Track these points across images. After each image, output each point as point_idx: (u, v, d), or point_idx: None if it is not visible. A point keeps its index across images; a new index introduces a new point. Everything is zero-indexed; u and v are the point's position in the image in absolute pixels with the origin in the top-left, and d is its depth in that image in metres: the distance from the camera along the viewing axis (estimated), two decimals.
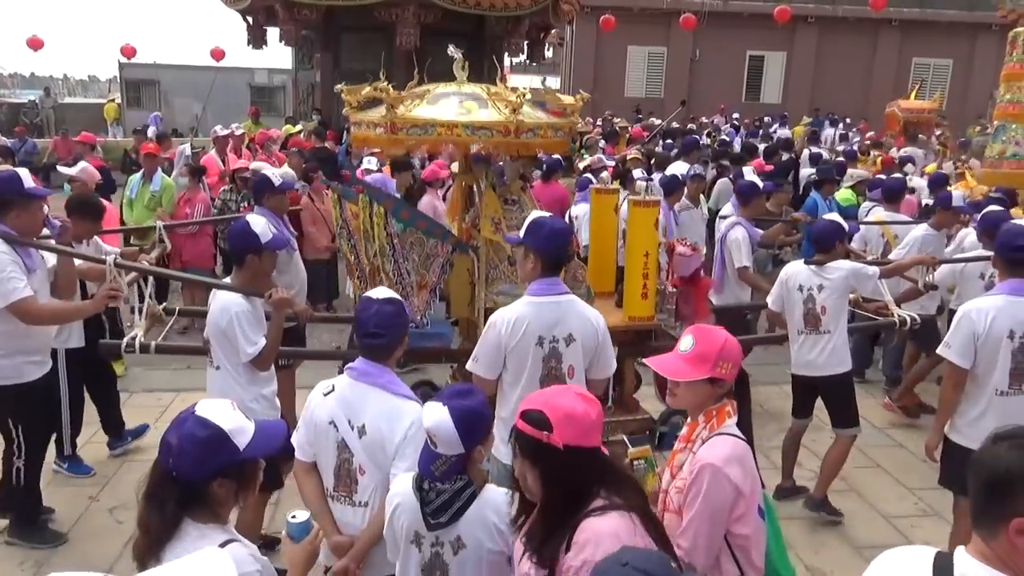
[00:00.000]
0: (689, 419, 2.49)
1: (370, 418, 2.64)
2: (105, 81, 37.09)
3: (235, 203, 7.29)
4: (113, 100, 23.32)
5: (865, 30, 25.17)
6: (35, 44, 19.99)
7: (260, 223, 3.82)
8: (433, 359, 5.04)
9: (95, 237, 5.12)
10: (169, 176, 8.47)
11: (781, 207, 7.89)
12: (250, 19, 15.49)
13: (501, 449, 3.31)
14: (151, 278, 4.57)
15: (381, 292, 2.81)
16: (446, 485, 2.25)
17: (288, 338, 5.25)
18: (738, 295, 6.24)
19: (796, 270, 4.75)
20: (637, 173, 8.33)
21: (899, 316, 4.92)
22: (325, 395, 2.74)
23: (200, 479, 1.89)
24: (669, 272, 5.04)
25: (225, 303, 3.69)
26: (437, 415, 2.18)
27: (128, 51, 21.83)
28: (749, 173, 7.69)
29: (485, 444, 2.33)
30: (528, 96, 4.12)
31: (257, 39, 15.71)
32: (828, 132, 18.21)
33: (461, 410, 2.19)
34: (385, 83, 3.92)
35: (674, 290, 4.91)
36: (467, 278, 4.60)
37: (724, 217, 6.65)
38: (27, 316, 3.93)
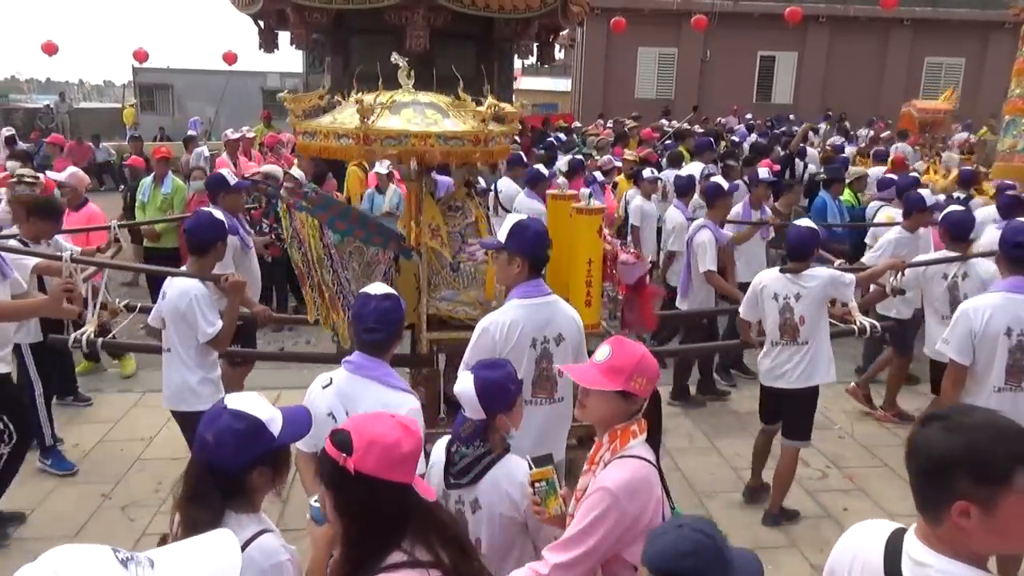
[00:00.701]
0: (596, 437, 2.41)
1: (366, 409, 2.66)
2: (120, 86, 37.44)
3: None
4: (132, 105, 23.54)
5: (877, 29, 25.03)
6: (49, 49, 20.18)
7: (221, 213, 4.23)
8: None
9: (56, 236, 5.30)
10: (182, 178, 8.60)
11: (791, 207, 7.89)
12: (261, 23, 15.56)
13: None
14: (105, 275, 4.73)
15: (378, 288, 2.88)
16: (468, 450, 2.51)
17: (238, 338, 5.46)
18: (704, 300, 6.19)
19: (771, 278, 4.62)
20: (647, 172, 8.36)
21: (860, 323, 4.74)
22: (324, 388, 2.82)
23: (241, 469, 1.94)
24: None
25: (184, 287, 3.94)
26: (464, 382, 2.51)
27: (141, 55, 21.98)
28: (764, 173, 7.68)
29: (511, 416, 2.57)
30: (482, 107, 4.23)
31: (268, 43, 15.78)
32: (821, 126, 18.17)
33: (485, 380, 2.49)
34: (358, 94, 4.05)
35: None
36: (414, 283, 4.64)
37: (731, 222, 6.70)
38: None
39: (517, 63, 19.39)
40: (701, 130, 16.82)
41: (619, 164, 9.78)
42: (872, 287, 5.47)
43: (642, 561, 1.59)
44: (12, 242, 4.90)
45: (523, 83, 28.99)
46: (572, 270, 4.69)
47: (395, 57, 4.38)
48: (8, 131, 12.03)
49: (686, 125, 15.99)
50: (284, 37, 15.57)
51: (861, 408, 6.52)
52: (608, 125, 17.63)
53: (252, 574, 1.83)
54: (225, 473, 1.93)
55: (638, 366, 2.30)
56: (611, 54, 25.57)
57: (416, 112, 4.20)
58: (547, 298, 3.38)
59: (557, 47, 18.64)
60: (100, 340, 4.46)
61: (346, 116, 4.19)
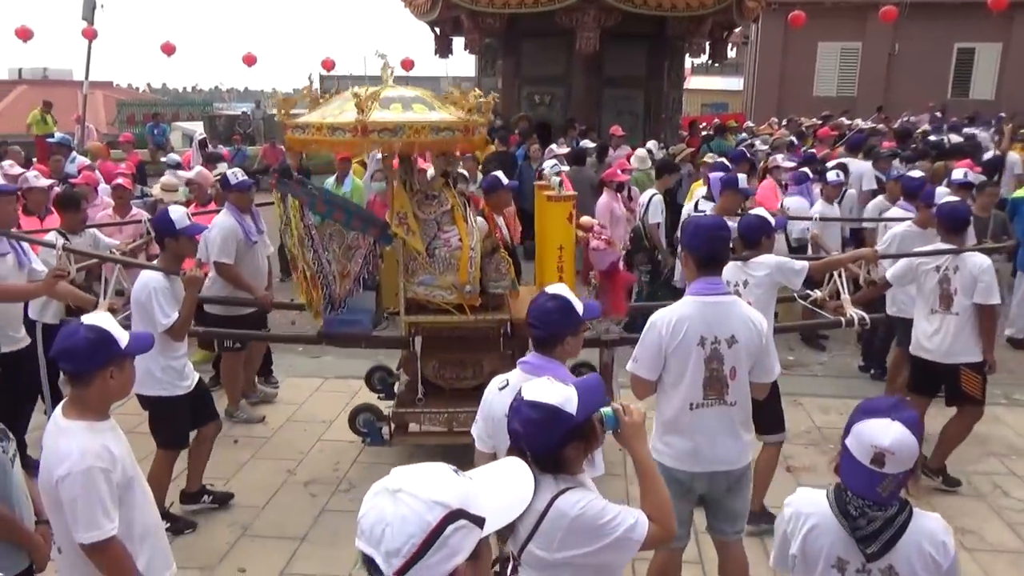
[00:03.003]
0: None
1: None
2: None
3: None
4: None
5: None
6: (250, 60, 22.03)
7: (179, 212, 4.36)
8: (352, 343, 5.24)
9: (92, 230, 5.87)
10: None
11: (988, 209, 7.21)
12: (437, 30, 16.21)
13: (660, 449, 3.32)
14: (116, 267, 5.05)
15: (553, 288, 2.89)
16: (878, 512, 2.14)
17: (248, 323, 5.88)
18: None
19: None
20: (831, 176, 7.90)
21: (849, 315, 4.78)
22: (500, 389, 2.84)
23: (553, 451, 2.10)
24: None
25: (145, 280, 4.20)
26: (895, 431, 2.09)
27: (328, 64, 23.48)
28: (960, 175, 7.08)
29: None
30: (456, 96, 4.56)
31: (443, 48, 16.42)
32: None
33: (909, 422, 2.12)
34: (359, 90, 4.33)
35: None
36: (397, 269, 4.80)
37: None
38: None
39: (687, 63, 18.98)
40: (885, 129, 15.74)
41: (790, 165, 9.32)
42: (866, 287, 5.35)
43: None
44: (52, 233, 5.49)
45: (692, 83, 28.36)
46: (543, 256, 4.72)
47: (377, 52, 4.77)
48: (200, 135, 13.15)
49: (871, 124, 15.01)
50: (458, 43, 16.15)
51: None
52: (783, 125, 16.86)
53: (564, 521, 2.06)
54: (541, 457, 2.09)
55: None
56: (788, 50, 24.46)
57: (404, 106, 4.42)
58: (721, 297, 3.26)
59: (730, 45, 18.05)
60: None
61: (333, 110, 4.45)
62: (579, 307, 2.81)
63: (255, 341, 6.14)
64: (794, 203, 7.80)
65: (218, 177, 7.61)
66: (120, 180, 7.26)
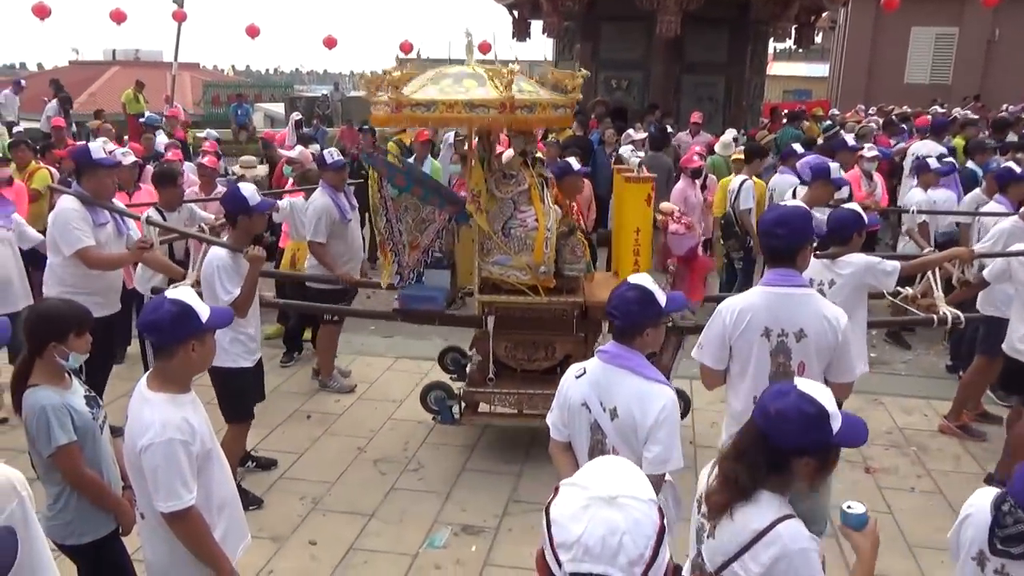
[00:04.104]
0: None
1: (622, 401, 2.67)
2: None
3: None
4: None
5: None
6: (330, 43, 22.41)
7: (250, 189, 4.36)
8: (426, 320, 5.20)
9: (190, 205, 6.04)
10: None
11: None
12: (516, 13, 16.15)
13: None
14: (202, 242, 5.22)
15: (635, 278, 2.82)
16: None
17: (334, 298, 5.97)
18: None
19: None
20: (933, 162, 7.53)
21: (942, 313, 4.63)
22: (577, 377, 2.80)
23: (790, 451, 1.96)
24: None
25: (210, 257, 4.30)
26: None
27: (406, 47, 23.70)
28: None
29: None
30: (524, 74, 4.49)
31: (521, 32, 16.36)
32: None
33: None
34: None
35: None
36: (472, 249, 4.80)
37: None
38: (88, 261, 4.72)
39: (770, 48, 18.43)
40: (976, 118, 14.97)
41: (873, 154, 8.91)
42: (960, 287, 5.10)
43: None
44: (151, 210, 5.61)
45: (773, 68, 27.51)
46: (620, 239, 4.58)
47: (466, 31, 4.74)
48: (296, 116, 13.47)
49: (968, 113, 14.29)
50: (536, 26, 16.05)
51: None
52: (871, 112, 16.21)
53: (775, 549, 1.92)
54: (777, 450, 1.97)
55: None
56: (879, 35, 23.50)
57: (454, 82, 4.41)
58: (794, 290, 3.13)
59: (817, 29, 17.44)
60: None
61: (450, 88, 4.44)
62: (661, 298, 2.73)
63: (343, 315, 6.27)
64: (940, 196, 7.23)
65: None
66: (205, 159, 7.48)
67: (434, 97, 4.37)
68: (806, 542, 1.95)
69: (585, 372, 2.78)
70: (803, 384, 2.02)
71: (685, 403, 5.13)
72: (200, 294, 2.97)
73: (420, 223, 4.86)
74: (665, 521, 1.26)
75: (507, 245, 4.65)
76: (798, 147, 8.55)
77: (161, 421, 2.48)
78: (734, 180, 7.72)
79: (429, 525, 4.43)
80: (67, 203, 4.80)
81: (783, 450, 1.96)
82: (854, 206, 4.45)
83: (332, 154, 6.13)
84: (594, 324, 4.86)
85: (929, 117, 13.79)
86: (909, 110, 15.49)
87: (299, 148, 8.52)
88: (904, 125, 13.17)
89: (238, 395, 4.47)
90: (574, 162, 5.73)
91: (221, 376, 4.39)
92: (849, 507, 2.17)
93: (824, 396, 1.99)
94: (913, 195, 7.32)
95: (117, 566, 3.01)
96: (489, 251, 4.71)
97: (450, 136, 10.91)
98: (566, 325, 4.91)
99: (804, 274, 4.11)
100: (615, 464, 1.33)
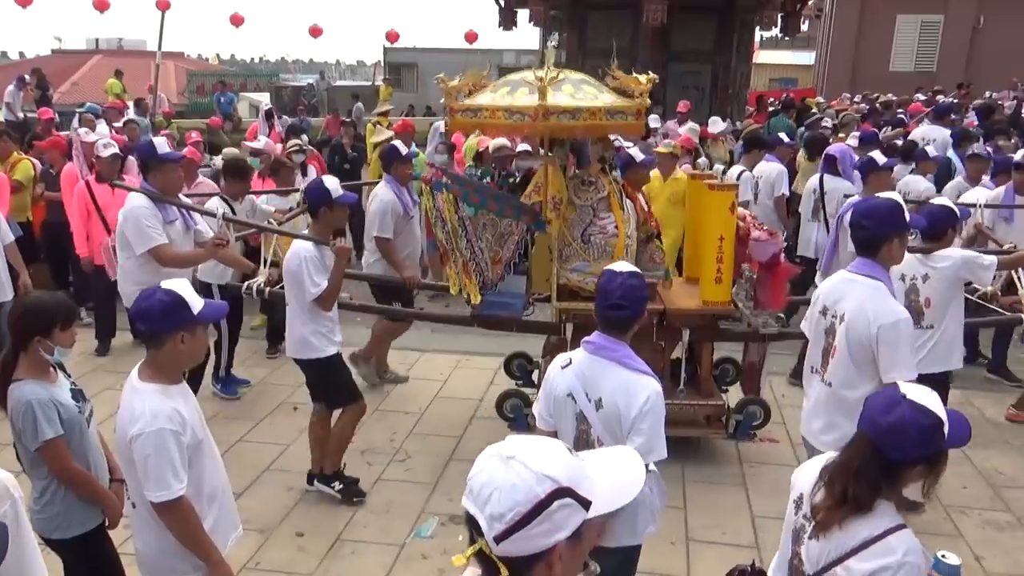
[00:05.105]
0: None
1: (607, 392, 2.69)
2: (370, 65, 40.47)
3: (477, 178, 7.66)
4: (389, 84, 25.29)
5: None
6: (316, 32, 22.26)
7: (333, 182, 4.37)
8: (504, 327, 5.19)
9: (251, 197, 5.95)
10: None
11: None
12: (502, 2, 16.07)
13: (816, 432, 3.33)
14: (274, 236, 5.32)
15: (624, 266, 2.83)
16: None
17: (399, 298, 5.89)
18: None
19: None
20: (931, 150, 7.55)
21: None
22: (563, 368, 2.81)
23: (907, 464, 1.95)
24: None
25: (296, 249, 4.26)
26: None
27: (392, 36, 23.56)
28: None
29: None
30: (578, 80, 4.42)
31: (507, 21, 16.27)
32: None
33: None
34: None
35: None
36: (549, 255, 4.77)
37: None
38: (161, 259, 4.70)
39: (756, 36, 18.44)
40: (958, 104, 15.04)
41: (855, 144, 8.92)
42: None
43: None
44: (214, 199, 5.63)
45: (761, 57, 27.54)
46: (703, 246, 4.59)
47: (553, 39, 4.68)
48: (267, 106, 13.16)
49: (953, 100, 14.36)
50: (523, 15, 15.99)
51: None
52: (856, 100, 16.28)
53: (884, 560, 1.89)
54: (893, 463, 1.94)
55: None
56: (864, 23, 23.55)
57: (575, 88, 4.35)
58: (862, 278, 3.15)
59: (803, 17, 17.45)
60: (267, 289, 5.10)
61: (501, 95, 4.44)
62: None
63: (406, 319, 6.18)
64: (922, 185, 7.08)
65: (293, 148, 7.72)
66: (186, 151, 7.39)
67: (481, 103, 4.43)
68: (915, 556, 1.91)
69: (571, 363, 2.79)
70: (911, 391, 1.96)
71: (765, 412, 5.13)
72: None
73: (500, 237, 4.76)
74: (561, 503, 1.24)
75: (586, 252, 4.62)
76: (784, 136, 8.61)
77: (151, 411, 2.49)
78: (732, 171, 7.71)
79: (416, 515, 4.45)
80: (137, 200, 4.76)
81: (895, 462, 1.93)
82: (945, 201, 4.47)
83: (399, 146, 5.99)
84: (673, 331, 4.82)
85: (921, 102, 13.83)
86: (894, 98, 15.52)
87: (264, 139, 8.36)
88: (900, 111, 13.19)
89: (336, 380, 4.49)
90: (636, 152, 5.43)
91: (313, 369, 4.42)
92: (944, 556, 2.11)
93: (934, 402, 1.94)
94: (973, 193, 6.57)
95: (103, 560, 3.02)
96: (568, 258, 4.68)
97: (440, 125, 10.87)
98: (645, 333, 4.84)
99: (895, 268, 3.94)
100: (553, 442, 1.35)
